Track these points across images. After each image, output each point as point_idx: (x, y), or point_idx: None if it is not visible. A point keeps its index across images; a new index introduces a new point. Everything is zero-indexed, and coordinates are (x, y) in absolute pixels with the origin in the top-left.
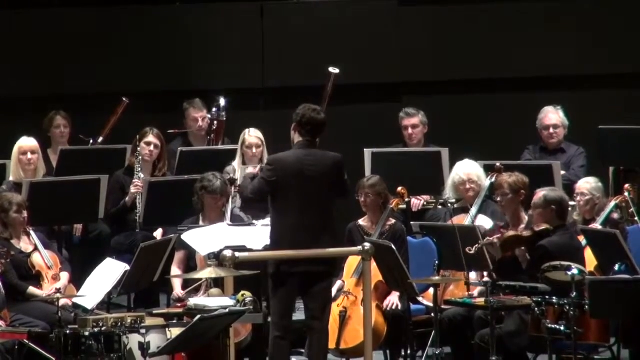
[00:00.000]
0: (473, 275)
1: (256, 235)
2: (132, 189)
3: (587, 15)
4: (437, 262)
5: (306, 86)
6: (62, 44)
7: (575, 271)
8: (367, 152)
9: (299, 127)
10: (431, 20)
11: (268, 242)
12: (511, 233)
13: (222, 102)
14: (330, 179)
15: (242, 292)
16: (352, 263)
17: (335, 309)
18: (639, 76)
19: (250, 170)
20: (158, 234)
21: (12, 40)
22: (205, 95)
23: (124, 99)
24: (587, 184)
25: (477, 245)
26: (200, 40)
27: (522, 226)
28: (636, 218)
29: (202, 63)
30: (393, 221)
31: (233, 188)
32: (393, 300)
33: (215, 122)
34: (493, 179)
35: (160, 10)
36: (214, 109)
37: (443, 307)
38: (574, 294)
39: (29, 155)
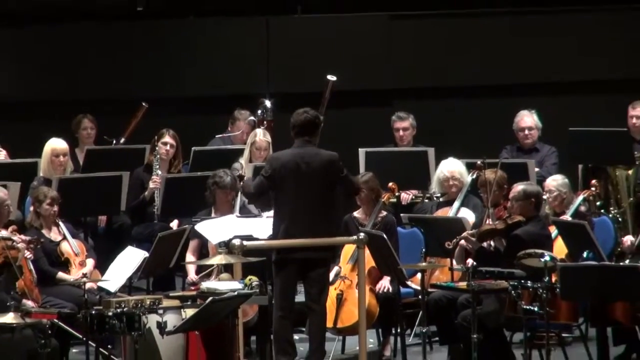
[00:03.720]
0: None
1: (262, 226)
2: (151, 185)
3: (560, 27)
4: (424, 250)
5: (307, 92)
6: (91, 55)
7: (547, 258)
8: (362, 152)
9: (292, 131)
10: (418, 33)
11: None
12: (487, 226)
13: (268, 103)
14: (325, 174)
15: (249, 277)
16: (348, 251)
17: (332, 292)
18: (606, 82)
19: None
20: (174, 224)
21: (47, 52)
22: (214, 101)
23: (144, 104)
24: (554, 182)
25: (455, 240)
26: (211, 50)
27: (489, 221)
28: (602, 211)
29: (212, 71)
30: (384, 213)
31: (242, 183)
32: (385, 284)
33: (265, 123)
34: (474, 176)
35: (176, 25)
36: (260, 111)
37: (429, 290)
38: (547, 278)
39: (61, 158)
